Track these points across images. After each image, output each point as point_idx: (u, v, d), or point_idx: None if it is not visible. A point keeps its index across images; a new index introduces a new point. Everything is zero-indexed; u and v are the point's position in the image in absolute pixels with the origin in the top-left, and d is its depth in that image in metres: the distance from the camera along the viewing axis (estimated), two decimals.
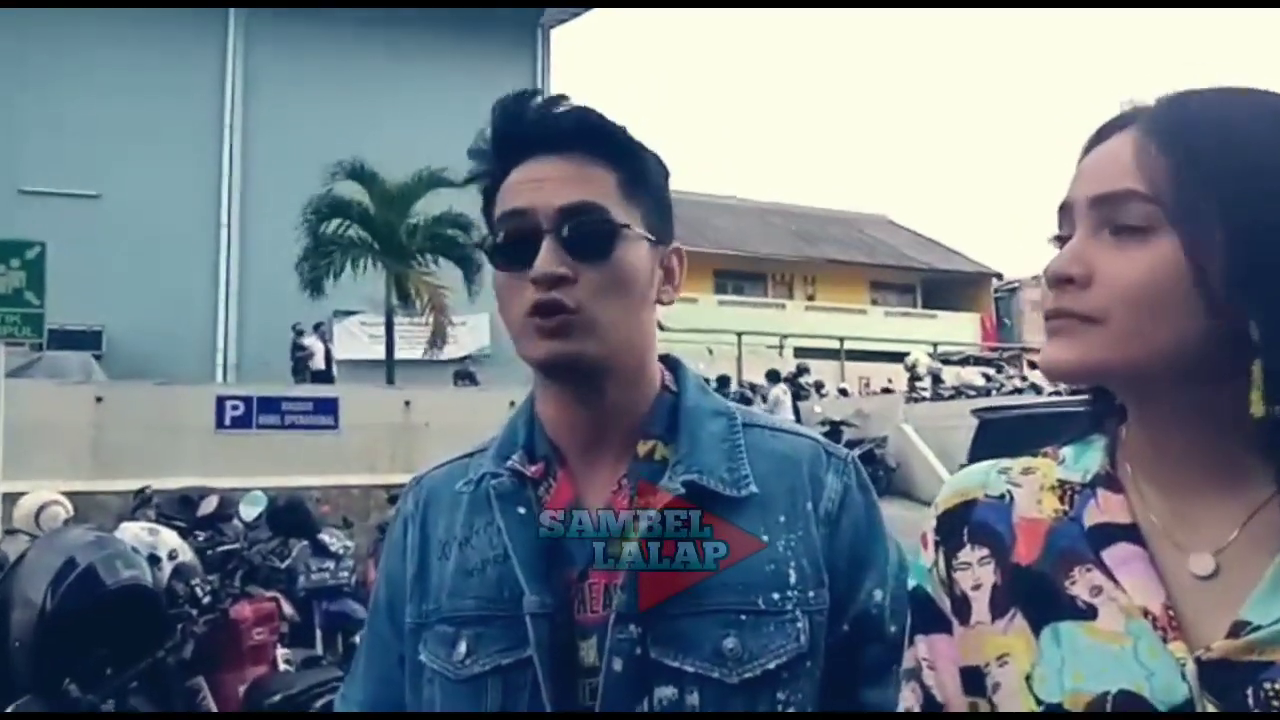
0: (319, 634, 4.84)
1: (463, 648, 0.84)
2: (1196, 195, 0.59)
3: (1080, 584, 0.64)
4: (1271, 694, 0.56)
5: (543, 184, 0.84)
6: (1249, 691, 0.57)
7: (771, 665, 0.80)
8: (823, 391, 15.32)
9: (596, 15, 18.51)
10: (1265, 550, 0.59)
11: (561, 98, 0.88)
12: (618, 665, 0.79)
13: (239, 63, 15.86)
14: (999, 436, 6.20)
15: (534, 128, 0.85)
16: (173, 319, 14.41)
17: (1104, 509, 0.66)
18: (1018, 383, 14.75)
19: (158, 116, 14.69)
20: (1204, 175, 0.59)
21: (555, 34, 18.33)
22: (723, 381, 12.55)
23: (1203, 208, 0.59)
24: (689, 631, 0.80)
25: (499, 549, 0.85)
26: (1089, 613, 0.63)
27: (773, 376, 13.08)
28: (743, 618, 0.80)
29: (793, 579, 0.82)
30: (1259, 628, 0.58)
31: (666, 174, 0.92)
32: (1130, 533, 0.64)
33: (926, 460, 11.27)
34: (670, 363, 0.94)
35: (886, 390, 15.85)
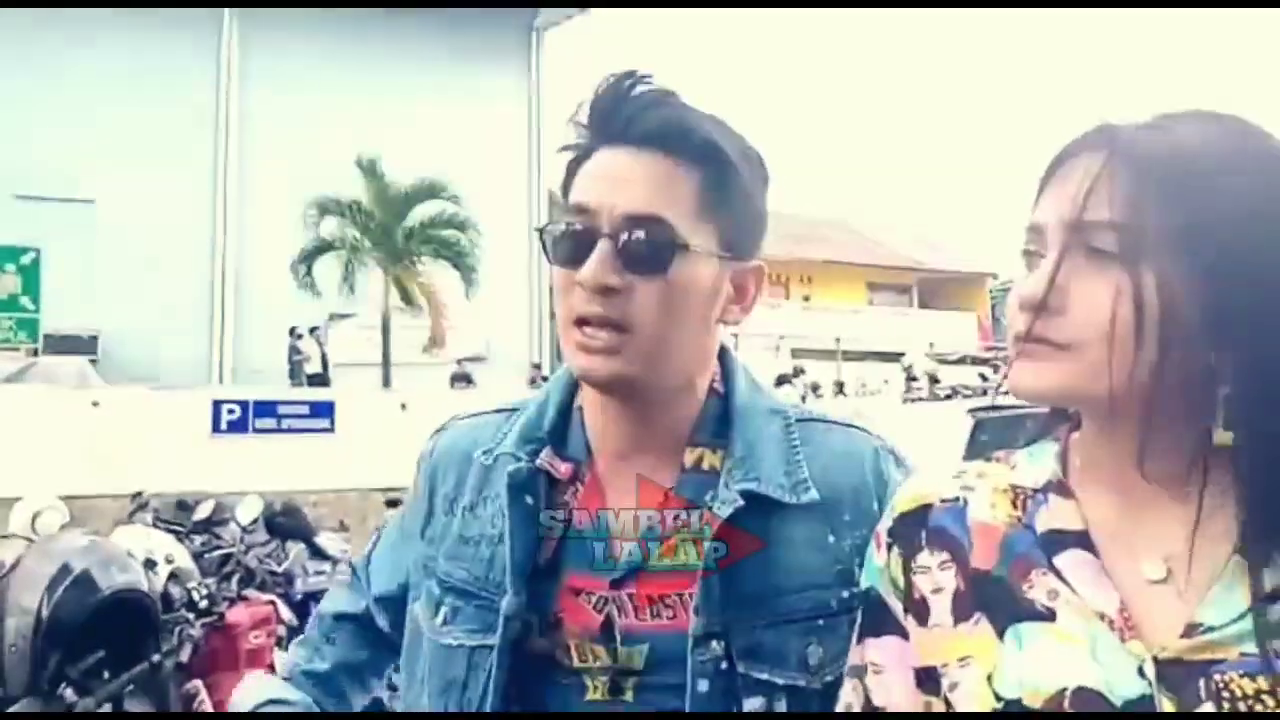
0: None
1: (443, 614, 0.86)
2: (1168, 226, 0.60)
3: (1038, 588, 0.66)
4: (1221, 685, 0.59)
5: (615, 182, 0.79)
6: (1201, 685, 0.59)
7: (846, 667, 0.80)
8: (819, 392, 15.34)
9: (590, 19, 18.56)
10: (1213, 555, 0.62)
11: (666, 92, 0.82)
12: (703, 686, 0.78)
13: (233, 67, 15.86)
14: (994, 436, 6.22)
15: (623, 116, 0.81)
16: (168, 323, 14.40)
17: (1055, 515, 0.68)
18: None
19: (152, 121, 14.68)
20: (1175, 207, 0.60)
21: (549, 36, 18.35)
22: None
23: (1174, 239, 0.60)
24: (772, 642, 0.80)
25: (498, 530, 0.84)
26: (1048, 615, 0.65)
27: (780, 380, 13.13)
28: (820, 623, 0.81)
29: (858, 575, 0.82)
30: (1213, 628, 0.60)
31: (765, 179, 0.86)
32: (1081, 539, 0.66)
33: (923, 460, 11.26)
34: (717, 352, 0.90)
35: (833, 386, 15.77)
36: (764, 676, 0.79)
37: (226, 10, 15.73)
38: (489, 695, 0.81)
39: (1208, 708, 0.58)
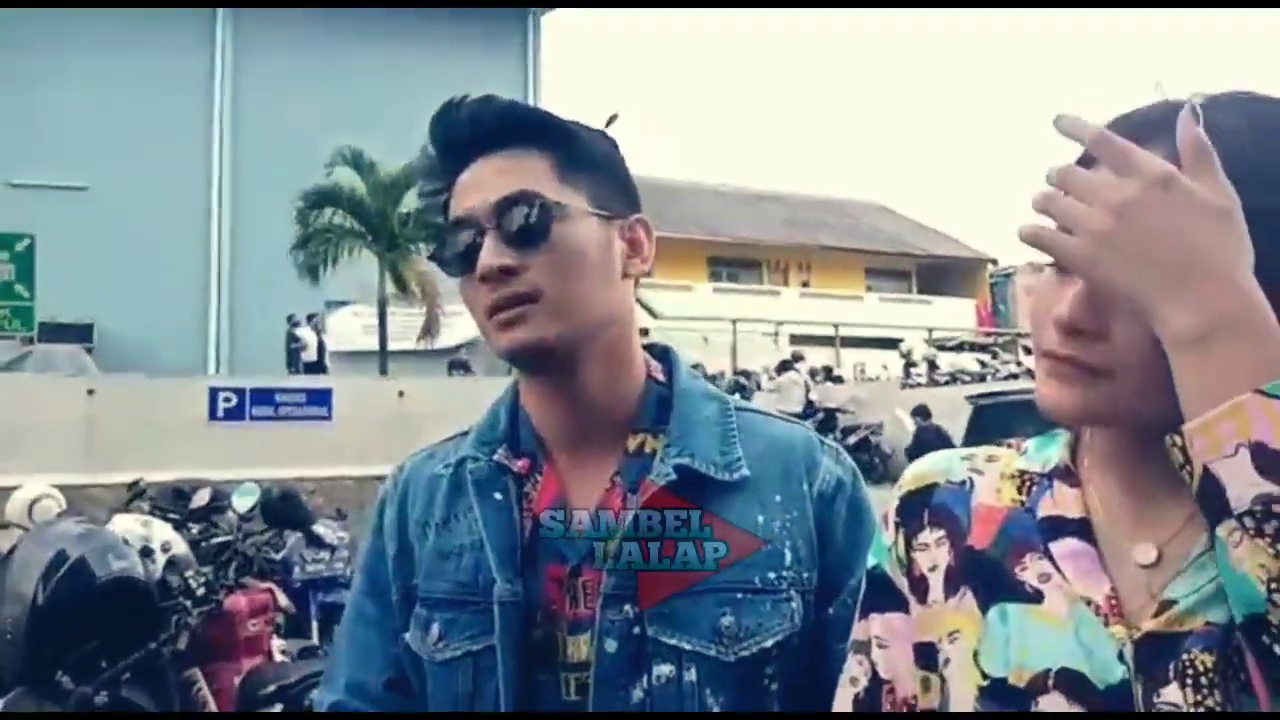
0: (314, 624, 4.85)
1: (435, 631, 0.86)
2: None
3: (1030, 570, 0.66)
4: (1187, 664, 0.58)
5: (479, 185, 0.85)
6: (1170, 665, 0.59)
7: (768, 643, 0.81)
8: (818, 378, 15.39)
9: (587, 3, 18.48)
10: (1202, 539, 0.60)
11: (490, 98, 0.88)
12: (611, 646, 0.80)
13: (228, 53, 15.80)
14: (994, 422, 6.25)
15: (465, 129, 0.86)
16: (164, 311, 14.39)
17: (1058, 502, 0.67)
18: (1013, 368, 14.80)
19: (147, 108, 14.64)
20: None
21: (546, 20, 18.29)
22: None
23: None
24: (686, 610, 0.81)
25: (476, 535, 0.85)
26: (1036, 597, 0.65)
27: (783, 366, 13.17)
28: (739, 596, 0.81)
29: (788, 559, 0.83)
30: (1178, 601, 0.60)
31: (614, 147, 0.91)
32: (1080, 527, 0.66)
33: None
34: (658, 351, 0.94)
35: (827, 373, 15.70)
36: (672, 642, 0.80)
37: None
38: (500, 696, 0.80)
39: (1173, 688, 0.58)
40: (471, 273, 0.83)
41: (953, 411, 8.67)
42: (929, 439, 10.23)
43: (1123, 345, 0.58)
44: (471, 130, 0.86)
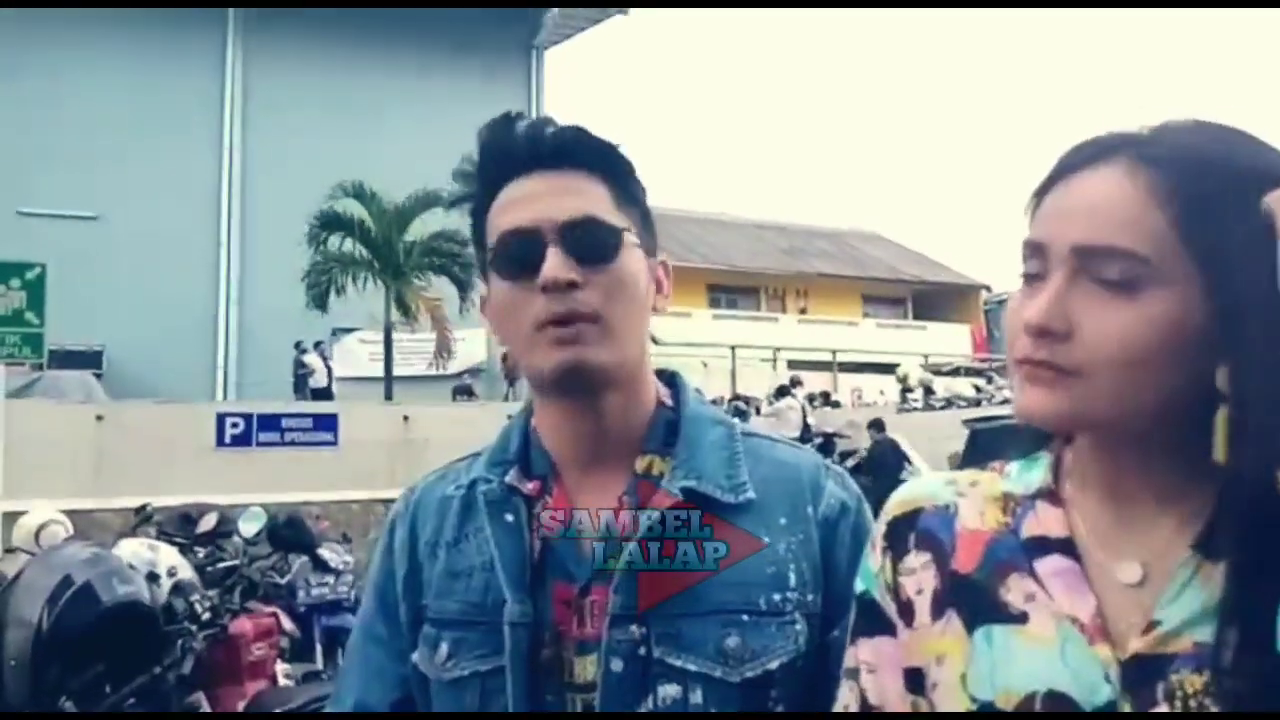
0: (319, 648, 4.84)
1: (444, 650, 0.86)
2: (1189, 253, 0.58)
3: (1014, 591, 0.66)
4: (1175, 685, 0.59)
5: (540, 199, 0.85)
6: (1159, 686, 0.59)
7: (773, 665, 0.81)
8: (815, 402, 15.38)
9: (589, 37, 18.72)
10: (1185, 557, 0.62)
11: (549, 119, 0.89)
12: (617, 666, 0.80)
13: (237, 84, 15.96)
14: (990, 446, 6.24)
15: (525, 146, 0.87)
16: (173, 338, 14.45)
17: (1041, 522, 0.68)
18: (1008, 393, 14.69)
19: (156, 137, 14.77)
20: (1198, 231, 0.58)
21: (549, 55, 18.49)
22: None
23: (1193, 263, 0.59)
24: (691, 631, 0.81)
25: (487, 556, 0.86)
26: (1020, 618, 0.65)
27: (781, 392, 13.15)
28: (744, 618, 0.82)
29: (793, 581, 0.84)
30: (1162, 622, 0.61)
31: (645, 191, 0.94)
32: (1064, 546, 0.66)
33: (919, 470, 11.24)
34: (667, 377, 0.95)
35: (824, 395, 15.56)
36: (678, 663, 0.81)
37: (231, 29, 15.83)
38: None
39: (1162, 710, 0.59)
40: (526, 279, 0.83)
41: (950, 435, 8.64)
42: (884, 450, 10.17)
43: (1091, 344, 0.59)
44: (531, 147, 0.86)
